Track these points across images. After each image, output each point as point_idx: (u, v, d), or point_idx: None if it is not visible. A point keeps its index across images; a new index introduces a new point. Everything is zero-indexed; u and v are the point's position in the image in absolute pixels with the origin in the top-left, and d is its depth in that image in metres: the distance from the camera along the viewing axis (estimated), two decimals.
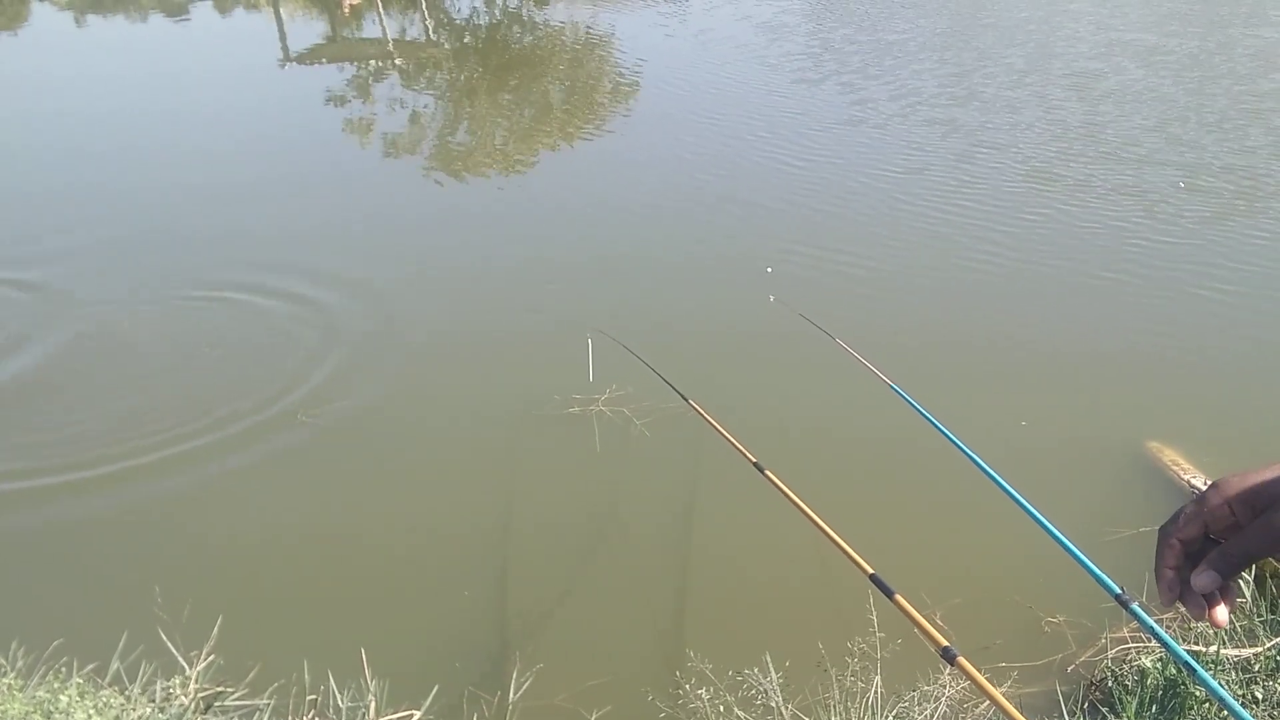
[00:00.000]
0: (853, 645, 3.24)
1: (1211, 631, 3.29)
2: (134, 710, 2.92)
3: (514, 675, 3.35)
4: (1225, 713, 2.77)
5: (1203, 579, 0.82)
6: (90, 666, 3.11)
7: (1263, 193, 7.61)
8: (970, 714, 3.13)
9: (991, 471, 1.70)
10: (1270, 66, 10.99)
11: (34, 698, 2.84)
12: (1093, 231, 7.10)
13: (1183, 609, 0.85)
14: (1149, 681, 3.10)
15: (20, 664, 3.10)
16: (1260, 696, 2.99)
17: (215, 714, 3.10)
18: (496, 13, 18.06)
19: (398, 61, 14.30)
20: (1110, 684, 3.23)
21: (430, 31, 16.32)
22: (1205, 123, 9.25)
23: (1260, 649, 3.16)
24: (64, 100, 12.16)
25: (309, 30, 17.12)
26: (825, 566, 3.83)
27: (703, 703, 3.15)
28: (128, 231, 7.80)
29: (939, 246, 6.99)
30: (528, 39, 16.07)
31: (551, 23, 16.66)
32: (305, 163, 9.70)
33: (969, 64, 11.86)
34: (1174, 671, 3.05)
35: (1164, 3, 14.38)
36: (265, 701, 3.16)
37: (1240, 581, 3.57)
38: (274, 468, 4.83)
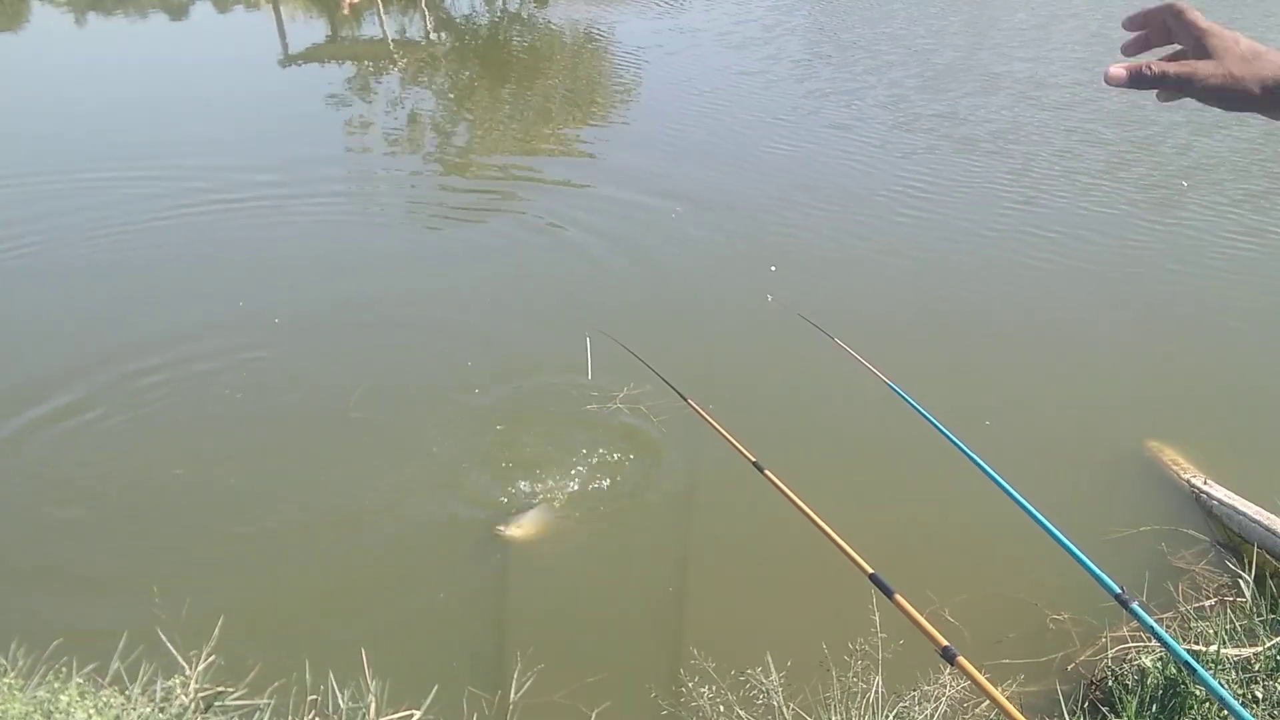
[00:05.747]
0: (854, 645, 3.24)
1: (1212, 630, 3.29)
2: (134, 710, 2.92)
3: (515, 674, 3.34)
4: (1225, 712, 2.77)
5: (1115, 70, 0.90)
6: (90, 666, 3.11)
7: (1264, 189, 7.61)
8: (971, 714, 3.13)
9: (991, 471, 1.70)
10: None
11: (34, 698, 2.84)
12: (1094, 231, 7.09)
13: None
14: (1149, 681, 3.09)
15: (21, 664, 3.10)
16: (1260, 696, 2.99)
17: (215, 714, 3.10)
18: (496, 12, 18.05)
19: (398, 60, 14.29)
20: (1110, 683, 3.23)
21: (430, 31, 16.31)
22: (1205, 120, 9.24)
23: (1260, 649, 3.16)
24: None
25: (309, 30, 17.11)
26: (827, 566, 3.82)
27: (704, 701, 3.15)
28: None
29: (941, 246, 6.99)
30: (527, 39, 16.06)
31: (551, 23, 16.64)
32: (305, 163, 9.68)
33: (979, 67, 11.86)
34: (1174, 671, 3.05)
35: None
36: (265, 701, 3.16)
37: (1241, 581, 3.56)
38: (276, 467, 4.83)
